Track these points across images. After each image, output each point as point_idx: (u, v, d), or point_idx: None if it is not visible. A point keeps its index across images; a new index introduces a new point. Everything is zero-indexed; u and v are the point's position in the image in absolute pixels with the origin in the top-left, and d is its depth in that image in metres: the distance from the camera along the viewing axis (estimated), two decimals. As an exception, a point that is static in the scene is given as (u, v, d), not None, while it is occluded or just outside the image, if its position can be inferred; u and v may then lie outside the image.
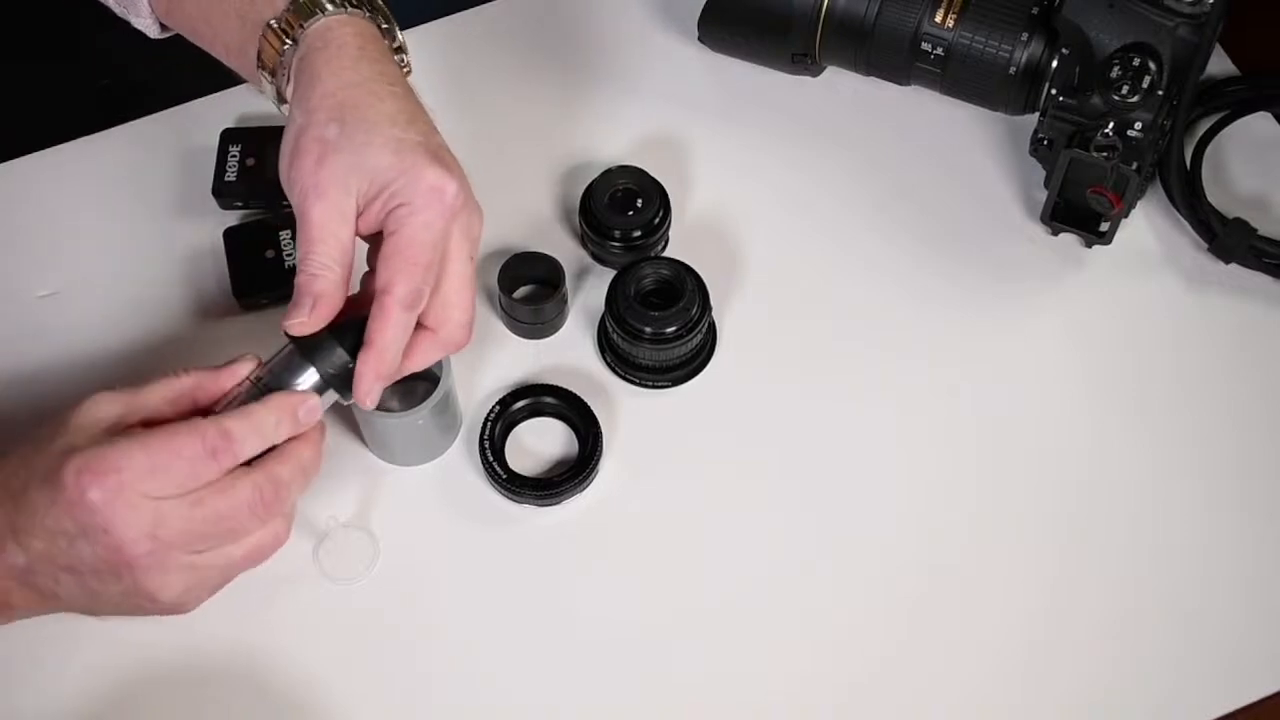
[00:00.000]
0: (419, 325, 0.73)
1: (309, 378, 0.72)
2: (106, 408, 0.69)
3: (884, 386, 0.87)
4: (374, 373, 0.71)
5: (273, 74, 0.75)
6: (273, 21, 0.73)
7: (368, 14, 0.74)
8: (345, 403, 0.74)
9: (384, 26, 0.75)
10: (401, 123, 0.71)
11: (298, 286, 0.70)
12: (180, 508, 0.67)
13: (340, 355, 0.72)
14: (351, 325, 0.72)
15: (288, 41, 0.73)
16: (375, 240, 0.73)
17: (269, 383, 0.72)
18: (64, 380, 0.86)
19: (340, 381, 0.72)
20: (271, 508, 0.69)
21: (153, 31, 0.82)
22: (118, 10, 0.82)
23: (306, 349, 0.72)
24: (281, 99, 0.76)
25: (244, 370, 0.72)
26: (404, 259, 0.70)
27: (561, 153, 0.94)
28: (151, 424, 0.69)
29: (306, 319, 0.70)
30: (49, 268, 0.89)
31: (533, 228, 0.91)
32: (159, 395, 0.70)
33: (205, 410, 0.71)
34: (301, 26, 0.72)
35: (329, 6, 0.72)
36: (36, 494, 0.66)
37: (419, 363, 0.74)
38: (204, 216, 0.91)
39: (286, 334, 0.72)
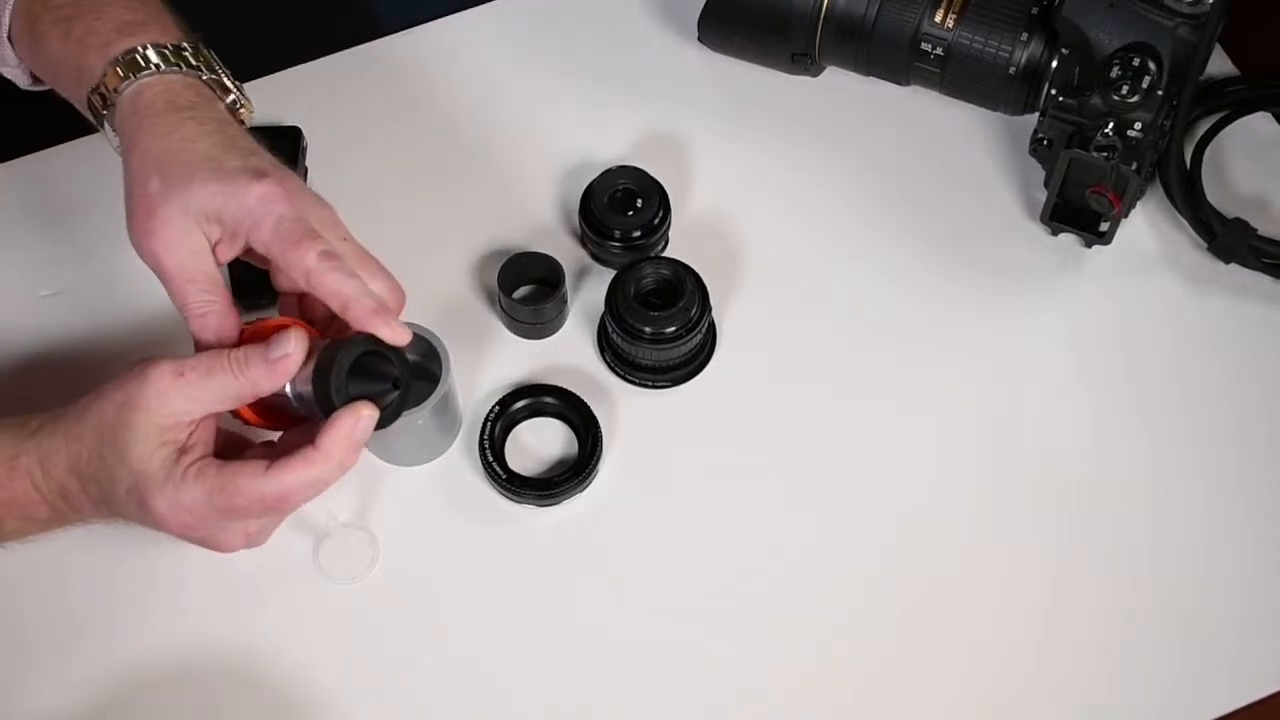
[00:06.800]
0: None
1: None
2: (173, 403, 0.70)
3: (884, 386, 0.87)
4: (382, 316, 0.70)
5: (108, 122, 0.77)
6: (91, 89, 0.75)
7: (184, 69, 0.76)
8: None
9: (205, 78, 0.76)
10: (217, 155, 0.73)
11: (194, 333, 0.72)
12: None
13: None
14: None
15: (105, 110, 0.75)
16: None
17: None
18: (65, 380, 0.85)
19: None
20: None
21: (22, 81, 0.83)
22: None
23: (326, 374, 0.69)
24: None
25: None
26: (287, 244, 0.71)
27: (561, 153, 0.94)
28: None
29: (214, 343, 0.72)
30: (51, 267, 0.89)
31: (532, 228, 0.91)
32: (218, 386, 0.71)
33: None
34: (116, 91, 0.75)
35: (142, 69, 0.75)
36: (121, 498, 0.70)
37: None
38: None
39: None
